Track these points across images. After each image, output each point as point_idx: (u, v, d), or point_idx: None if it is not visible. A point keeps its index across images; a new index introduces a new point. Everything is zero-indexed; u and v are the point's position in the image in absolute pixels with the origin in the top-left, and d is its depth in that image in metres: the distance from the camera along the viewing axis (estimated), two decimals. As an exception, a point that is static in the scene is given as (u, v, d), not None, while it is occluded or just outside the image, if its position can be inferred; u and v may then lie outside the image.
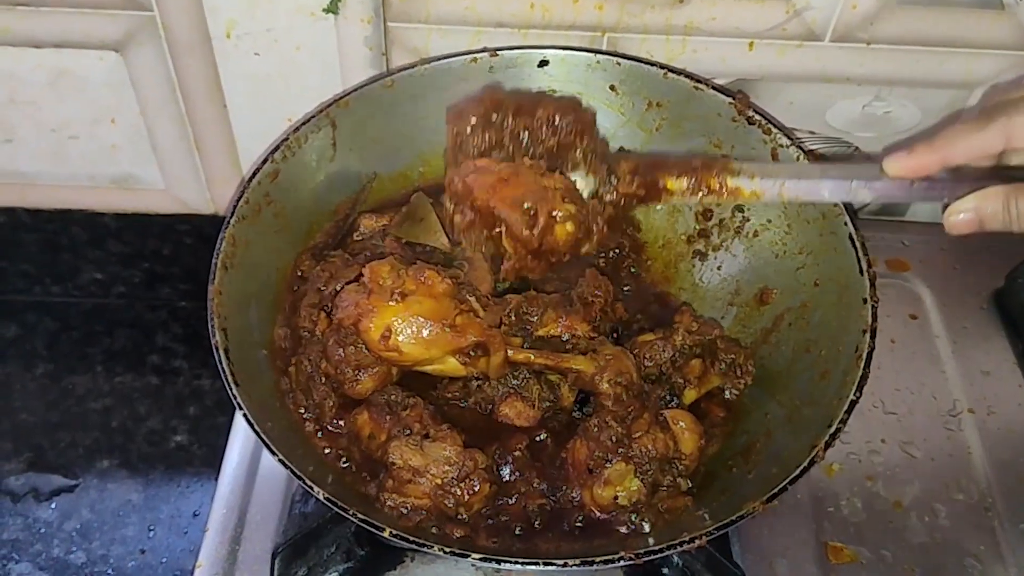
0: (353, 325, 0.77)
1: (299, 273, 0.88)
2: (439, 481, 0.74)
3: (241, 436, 0.95)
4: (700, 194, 0.74)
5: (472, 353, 0.77)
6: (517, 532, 0.76)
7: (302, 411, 0.81)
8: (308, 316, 0.84)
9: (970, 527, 0.90)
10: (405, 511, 0.74)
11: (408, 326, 0.75)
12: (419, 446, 0.75)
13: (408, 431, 0.76)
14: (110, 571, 1.04)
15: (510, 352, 0.79)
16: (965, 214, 0.66)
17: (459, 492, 0.74)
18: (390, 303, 0.76)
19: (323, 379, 0.81)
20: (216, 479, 0.92)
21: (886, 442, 0.96)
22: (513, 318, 0.82)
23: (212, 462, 1.03)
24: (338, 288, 0.85)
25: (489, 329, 0.78)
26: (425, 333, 0.76)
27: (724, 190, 0.74)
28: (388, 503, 0.75)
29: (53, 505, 1.09)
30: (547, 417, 0.82)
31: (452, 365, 0.78)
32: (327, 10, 0.93)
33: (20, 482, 1.10)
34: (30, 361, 1.21)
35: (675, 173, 0.75)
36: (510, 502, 0.77)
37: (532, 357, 0.80)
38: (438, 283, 0.77)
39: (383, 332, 0.75)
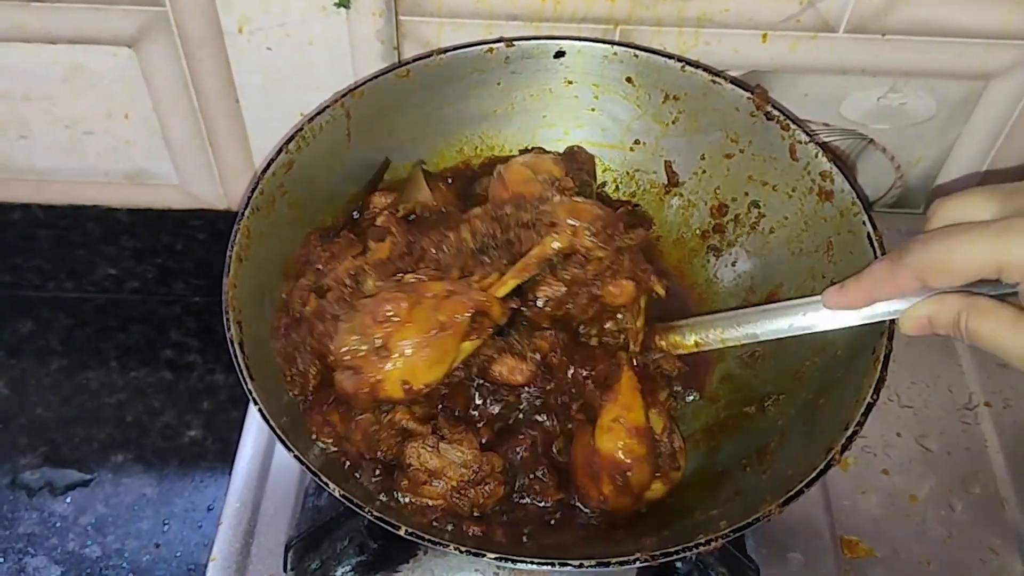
0: (375, 400, 0.75)
1: (303, 253, 0.87)
2: (455, 484, 0.74)
3: (255, 430, 0.95)
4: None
5: (475, 324, 0.75)
6: (531, 529, 0.76)
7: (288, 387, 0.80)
8: (299, 297, 0.82)
9: (987, 521, 0.90)
10: (418, 507, 0.74)
11: (415, 363, 0.73)
12: (436, 448, 0.74)
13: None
14: (125, 564, 1.04)
15: (497, 292, 0.78)
16: (918, 320, 0.66)
17: (474, 494, 0.74)
18: (382, 365, 0.73)
19: (308, 350, 0.80)
20: (230, 473, 0.92)
21: (901, 436, 0.95)
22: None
23: (226, 457, 1.04)
24: (339, 267, 0.83)
25: (464, 295, 0.76)
26: (431, 352, 0.73)
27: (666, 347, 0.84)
28: (402, 501, 0.74)
29: (68, 499, 1.09)
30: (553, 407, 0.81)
31: (468, 347, 0.77)
32: (339, 4, 0.92)
33: (35, 476, 1.10)
34: (45, 357, 1.21)
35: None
36: (524, 502, 0.77)
37: (515, 275, 0.78)
38: (400, 303, 0.74)
39: (403, 387, 0.74)
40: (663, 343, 0.84)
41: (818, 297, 0.74)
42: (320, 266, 0.83)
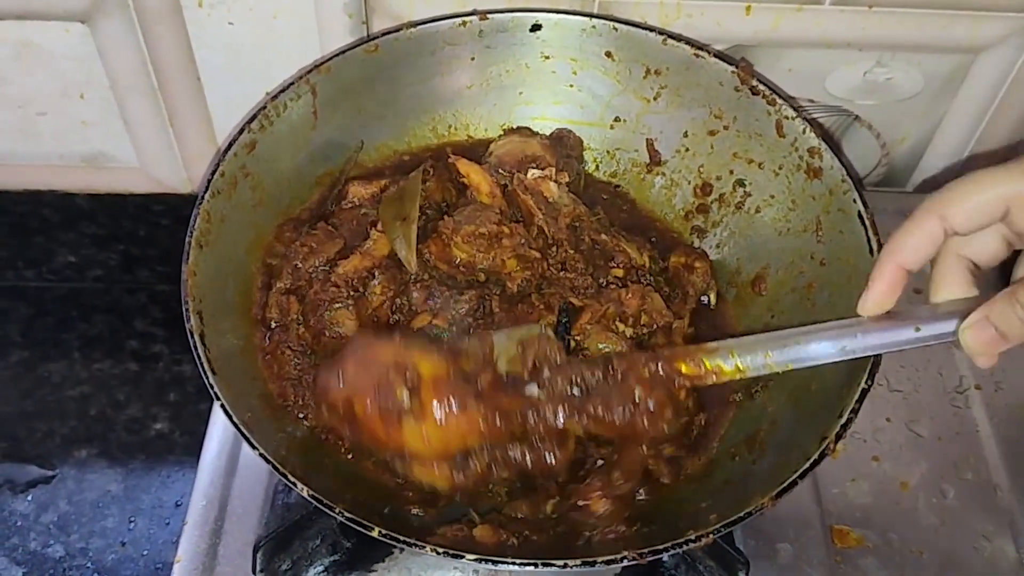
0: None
1: (279, 247, 0.85)
2: None
3: (221, 423, 0.92)
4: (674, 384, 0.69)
5: None
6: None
7: (292, 408, 0.79)
8: (277, 305, 0.80)
9: (979, 507, 0.89)
10: None
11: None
12: None
13: None
14: (89, 564, 1.02)
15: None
16: (977, 326, 0.61)
17: None
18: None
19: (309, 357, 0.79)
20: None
21: (891, 421, 0.94)
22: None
23: (194, 450, 0.99)
24: (319, 263, 0.81)
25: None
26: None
27: (703, 374, 0.68)
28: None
29: (29, 497, 1.07)
30: None
31: None
32: (304, -25, 0.89)
33: (-6, 474, 1.08)
34: (4, 348, 1.18)
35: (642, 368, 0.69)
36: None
37: None
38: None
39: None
40: (700, 369, 0.69)
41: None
42: (299, 263, 0.82)
